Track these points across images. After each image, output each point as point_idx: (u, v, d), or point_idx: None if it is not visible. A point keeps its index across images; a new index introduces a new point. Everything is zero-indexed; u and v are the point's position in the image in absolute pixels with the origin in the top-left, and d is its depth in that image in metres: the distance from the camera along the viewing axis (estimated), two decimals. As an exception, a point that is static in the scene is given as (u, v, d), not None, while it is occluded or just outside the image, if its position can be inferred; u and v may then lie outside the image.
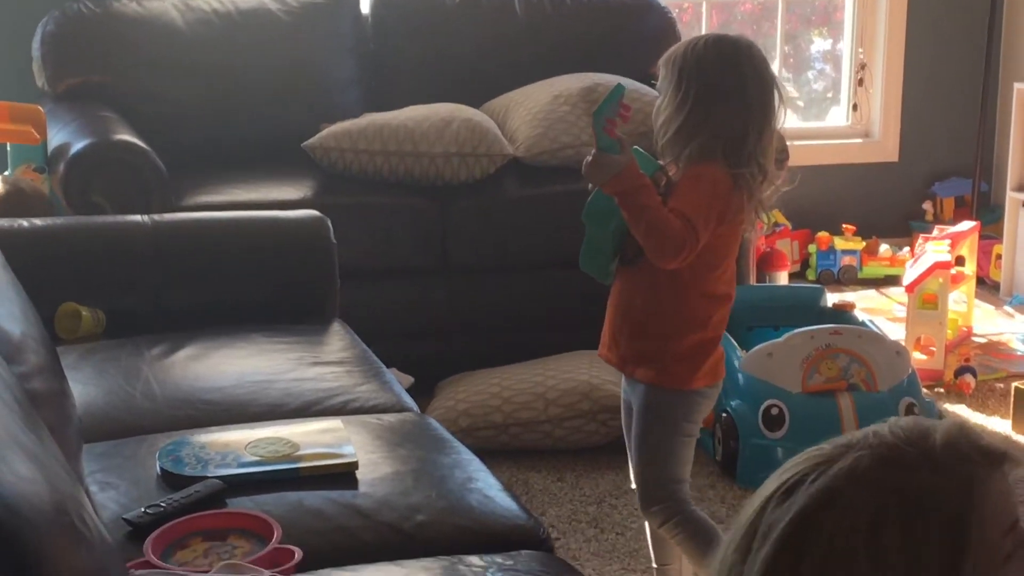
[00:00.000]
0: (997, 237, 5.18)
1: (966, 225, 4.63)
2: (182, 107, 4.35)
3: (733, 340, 3.62)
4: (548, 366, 3.78)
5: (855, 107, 5.62)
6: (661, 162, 2.55)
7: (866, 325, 3.87)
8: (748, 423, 3.50)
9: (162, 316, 3.10)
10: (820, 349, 3.55)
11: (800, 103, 5.71)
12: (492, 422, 3.64)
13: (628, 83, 4.09)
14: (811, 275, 5.32)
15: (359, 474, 2.29)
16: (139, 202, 3.63)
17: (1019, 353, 4.52)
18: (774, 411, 3.48)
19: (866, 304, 4.94)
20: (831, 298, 4.19)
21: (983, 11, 5.33)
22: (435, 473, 2.35)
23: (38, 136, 3.91)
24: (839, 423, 3.43)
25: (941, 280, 4.22)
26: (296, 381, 2.75)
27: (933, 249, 4.33)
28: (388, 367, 2.98)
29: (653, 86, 2.68)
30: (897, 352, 3.65)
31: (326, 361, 2.88)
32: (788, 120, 2.63)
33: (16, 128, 3.89)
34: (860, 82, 5.58)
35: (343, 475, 2.28)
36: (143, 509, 2.12)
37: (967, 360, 4.28)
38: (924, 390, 3.74)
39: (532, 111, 4.26)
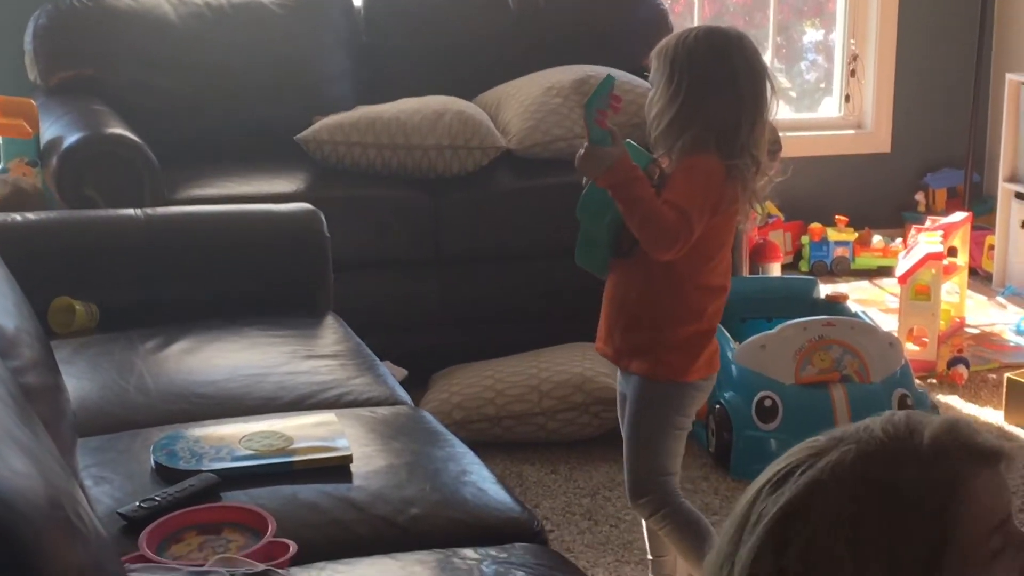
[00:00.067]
0: (989, 228, 5.19)
1: (958, 216, 4.64)
2: (175, 100, 4.34)
3: (726, 332, 3.62)
4: (541, 358, 3.79)
5: (847, 98, 5.62)
6: (654, 154, 2.56)
7: (859, 316, 3.87)
8: (741, 415, 3.50)
9: (155, 310, 3.10)
10: (813, 340, 3.56)
11: (792, 94, 5.71)
12: (486, 415, 3.64)
13: (619, 74, 4.11)
14: (804, 266, 5.33)
15: (353, 467, 2.29)
16: (132, 196, 3.62)
17: (1012, 344, 4.53)
18: (767, 403, 3.48)
19: (859, 295, 4.95)
20: (824, 289, 4.19)
21: (975, 2, 5.33)
22: (429, 466, 2.35)
23: (31, 130, 3.90)
24: (832, 415, 3.44)
25: (934, 271, 4.23)
26: (290, 374, 2.75)
27: (926, 240, 4.34)
28: (382, 360, 2.99)
29: (645, 78, 2.68)
30: (890, 343, 3.65)
31: (320, 354, 2.88)
32: (780, 111, 2.63)
33: (8, 122, 3.88)
34: (852, 73, 5.59)
35: (337, 468, 2.29)
36: (138, 503, 2.12)
37: (960, 351, 4.29)
38: (917, 381, 3.74)
39: (524, 103, 4.26)
